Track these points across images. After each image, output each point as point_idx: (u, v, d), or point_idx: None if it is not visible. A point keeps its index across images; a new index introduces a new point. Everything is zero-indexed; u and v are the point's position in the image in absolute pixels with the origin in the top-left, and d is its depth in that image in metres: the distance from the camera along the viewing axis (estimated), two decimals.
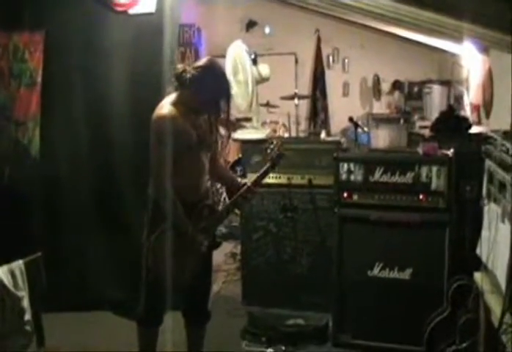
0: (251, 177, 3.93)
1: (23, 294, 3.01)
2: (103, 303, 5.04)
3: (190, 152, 3.55)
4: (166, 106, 3.52)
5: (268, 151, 3.84)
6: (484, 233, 3.09)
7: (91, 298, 5.03)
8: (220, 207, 3.87)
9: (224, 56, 6.30)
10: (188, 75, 3.49)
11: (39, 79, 5.10)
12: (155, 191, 3.56)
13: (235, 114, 6.50)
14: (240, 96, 6.36)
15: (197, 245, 3.57)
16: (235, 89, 6.19)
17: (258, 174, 3.81)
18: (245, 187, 3.74)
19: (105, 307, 5.03)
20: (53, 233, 5.07)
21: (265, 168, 3.81)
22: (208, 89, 3.51)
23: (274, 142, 3.87)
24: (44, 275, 3.08)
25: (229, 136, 7.00)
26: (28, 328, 3.03)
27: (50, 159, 5.12)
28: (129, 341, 3.92)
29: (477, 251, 3.18)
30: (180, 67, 3.59)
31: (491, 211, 3.00)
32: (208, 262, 3.83)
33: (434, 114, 6.78)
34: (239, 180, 3.90)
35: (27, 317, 2.99)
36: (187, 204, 3.54)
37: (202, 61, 3.61)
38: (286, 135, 7.32)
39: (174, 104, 3.52)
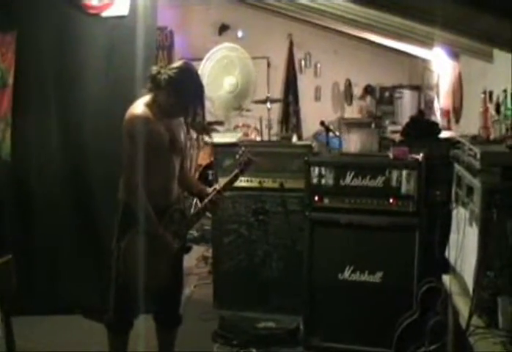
0: (221, 182, 3.94)
1: None
2: (74, 307, 5.02)
3: (162, 154, 3.54)
4: (139, 107, 3.49)
5: (237, 157, 3.85)
6: (452, 236, 3.13)
7: (62, 302, 4.99)
8: (191, 212, 3.87)
9: (197, 59, 6.31)
10: (164, 77, 3.46)
11: (10, 80, 5.02)
12: (126, 192, 3.53)
13: (207, 117, 6.50)
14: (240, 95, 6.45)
15: (168, 247, 3.56)
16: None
17: (227, 180, 3.81)
18: (214, 192, 3.74)
19: (76, 311, 5.00)
20: (23, 236, 5.03)
21: (233, 174, 3.81)
22: (183, 90, 3.48)
23: (243, 149, 3.88)
24: (14, 278, 3.05)
25: (201, 140, 7.00)
26: None
27: (21, 161, 5.06)
28: (101, 345, 3.90)
29: (446, 254, 3.22)
30: (155, 68, 3.55)
31: (459, 215, 3.04)
32: (179, 265, 3.82)
33: (405, 119, 6.82)
34: (206, 188, 3.88)
35: None
36: (158, 207, 3.52)
37: (178, 63, 3.59)
38: (258, 138, 7.34)
39: (148, 105, 3.50)
